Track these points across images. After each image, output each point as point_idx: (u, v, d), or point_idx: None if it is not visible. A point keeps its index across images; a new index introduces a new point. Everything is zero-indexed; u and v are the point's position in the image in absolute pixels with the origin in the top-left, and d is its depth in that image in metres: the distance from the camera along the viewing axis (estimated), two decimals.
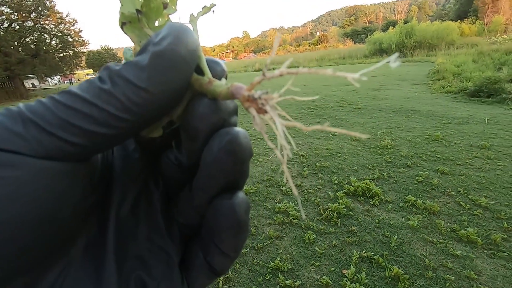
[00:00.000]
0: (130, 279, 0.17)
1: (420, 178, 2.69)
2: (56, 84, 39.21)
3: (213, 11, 0.21)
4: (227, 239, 0.17)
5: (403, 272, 1.63)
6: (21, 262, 0.13)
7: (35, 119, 0.12)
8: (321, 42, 64.81)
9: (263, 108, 0.15)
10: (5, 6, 17.76)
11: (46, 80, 32.07)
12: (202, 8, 0.20)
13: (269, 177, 2.95)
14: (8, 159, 0.12)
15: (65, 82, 36.07)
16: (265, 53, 67.60)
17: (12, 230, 0.12)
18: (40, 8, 19.12)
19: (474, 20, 32.53)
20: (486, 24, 29.55)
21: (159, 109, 0.14)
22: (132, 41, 0.19)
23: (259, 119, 0.15)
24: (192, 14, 0.19)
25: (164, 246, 0.18)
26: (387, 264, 1.70)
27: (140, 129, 0.14)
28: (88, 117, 0.12)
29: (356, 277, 1.62)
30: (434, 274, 1.61)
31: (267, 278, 1.68)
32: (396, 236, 1.93)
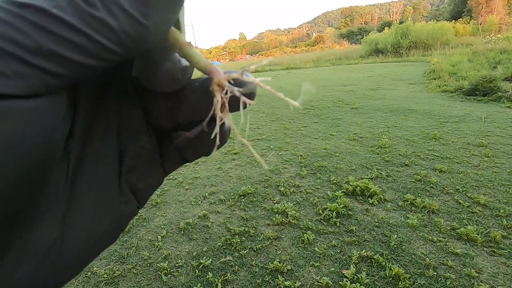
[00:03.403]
0: (124, 177, 0.18)
1: (419, 176, 2.69)
2: None
3: None
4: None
5: (403, 271, 1.62)
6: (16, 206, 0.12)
7: (12, 50, 0.10)
8: (317, 43, 65.08)
9: (224, 100, 0.16)
10: None
11: None
12: None
13: (267, 177, 2.93)
14: None
15: None
16: (262, 55, 67.69)
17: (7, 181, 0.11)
18: None
19: (468, 20, 32.86)
20: (480, 24, 29.84)
21: (147, 45, 0.13)
22: None
23: (219, 106, 0.16)
24: None
25: (145, 145, 0.19)
26: (387, 264, 1.68)
27: (125, 63, 0.14)
28: (77, 47, 0.11)
29: (356, 277, 1.60)
30: (435, 273, 1.60)
31: (267, 279, 1.66)
32: (395, 235, 1.92)
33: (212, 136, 0.17)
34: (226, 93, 0.16)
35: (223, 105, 0.16)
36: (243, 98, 0.16)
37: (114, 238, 0.18)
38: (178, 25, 0.16)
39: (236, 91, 0.16)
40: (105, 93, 0.18)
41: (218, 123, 0.16)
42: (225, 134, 0.18)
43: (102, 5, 0.11)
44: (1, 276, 0.14)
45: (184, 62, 0.16)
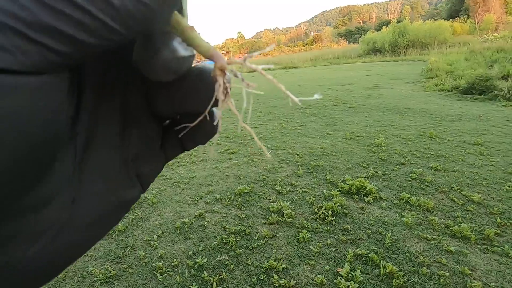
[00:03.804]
0: (129, 162, 0.19)
1: (414, 175, 2.70)
2: None
3: None
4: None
5: (397, 269, 1.63)
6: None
7: (14, 24, 0.10)
8: (316, 42, 65.10)
9: (226, 84, 0.16)
10: None
11: None
12: None
13: (263, 177, 2.93)
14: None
15: None
16: (260, 54, 67.56)
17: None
18: None
19: (465, 19, 32.98)
20: (478, 23, 29.95)
21: (149, 25, 0.13)
22: None
23: (221, 90, 0.16)
24: None
25: (148, 131, 0.20)
26: (381, 262, 1.69)
27: (129, 47, 0.14)
28: (80, 24, 0.11)
29: (350, 275, 1.61)
30: (429, 271, 1.61)
31: (262, 278, 1.66)
32: (390, 233, 1.93)
33: (215, 122, 0.17)
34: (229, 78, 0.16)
35: (225, 89, 0.16)
36: (245, 81, 0.16)
37: (118, 221, 0.20)
38: (181, 10, 0.16)
39: (239, 74, 0.16)
40: (110, 77, 0.18)
41: (220, 107, 0.16)
42: (208, 132, 0.19)
43: None
44: (15, 256, 0.14)
45: (182, 52, 0.16)
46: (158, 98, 0.19)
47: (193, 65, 0.18)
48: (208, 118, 0.18)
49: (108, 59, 0.18)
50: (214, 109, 0.17)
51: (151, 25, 0.13)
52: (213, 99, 0.16)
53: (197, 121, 0.19)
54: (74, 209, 0.16)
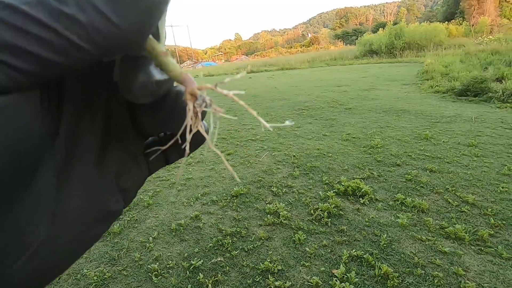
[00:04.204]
0: (111, 176, 0.19)
1: (409, 176, 2.72)
2: None
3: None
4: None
5: (392, 270, 1.63)
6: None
7: None
8: (313, 44, 65.34)
9: (196, 109, 0.17)
10: None
11: None
12: None
13: (260, 178, 2.94)
14: None
15: None
16: (257, 55, 67.75)
17: None
18: None
19: (461, 22, 33.27)
20: (473, 25, 30.25)
21: (121, 47, 0.13)
22: None
23: (190, 114, 0.17)
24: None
25: (132, 146, 0.20)
26: (376, 263, 1.70)
27: (96, 62, 0.14)
28: (44, 42, 0.11)
29: (346, 276, 1.61)
30: (423, 271, 1.62)
31: (257, 280, 1.66)
32: (385, 235, 1.94)
33: (183, 146, 0.17)
34: (199, 103, 0.17)
35: (195, 114, 0.17)
36: (213, 107, 0.17)
37: (99, 236, 0.19)
38: (157, 33, 0.16)
39: (208, 99, 0.17)
40: (93, 93, 0.18)
41: (188, 132, 0.17)
42: (197, 141, 0.20)
43: (73, 2, 0.11)
44: (1, 269, 0.14)
45: (158, 76, 0.16)
46: (141, 117, 0.20)
47: (175, 85, 0.18)
48: (180, 141, 0.18)
49: (92, 73, 0.18)
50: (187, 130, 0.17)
51: (123, 48, 0.13)
52: (185, 122, 0.17)
53: (168, 145, 0.19)
54: (54, 223, 0.16)
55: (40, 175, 0.15)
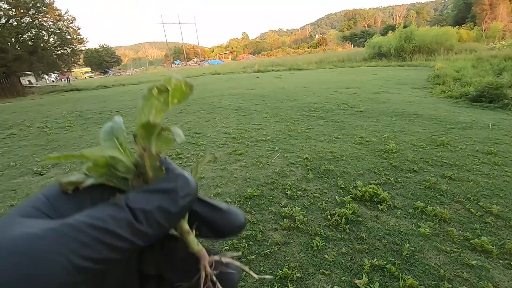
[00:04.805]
0: None
1: (428, 183, 2.63)
2: (53, 81, 38.79)
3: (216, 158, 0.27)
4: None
5: (417, 282, 1.56)
6: None
7: (74, 259, 0.16)
8: (320, 45, 64.97)
9: (207, 279, 0.21)
10: (3, 2, 17.52)
11: (43, 78, 31.57)
12: (209, 155, 0.23)
13: (273, 180, 2.87)
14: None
15: (63, 80, 35.55)
16: (264, 55, 67.53)
17: None
18: (38, 5, 18.87)
19: (472, 26, 32.82)
20: (484, 30, 29.82)
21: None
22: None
23: (203, 280, 0.21)
24: (198, 160, 0.27)
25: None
26: (400, 274, 1.63)
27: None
28: (122, 250, 0.18)
29: (369, 287, 1.55)
30: (450, 285, 1.55)
31: (276, 287, 1.60)
32: (407, 244, 1.86)
33: None
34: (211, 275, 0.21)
35: (207, 279, 0.21)
36: (217, 285, 0.21)
37: None
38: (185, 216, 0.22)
39: (213, 275, 0.21)
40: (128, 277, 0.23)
41: None
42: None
43: (146, 221, 0.18)
44: None
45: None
46: (149, 265, 0.24)
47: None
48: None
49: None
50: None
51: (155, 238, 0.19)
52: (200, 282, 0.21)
53: None
54: None
55: None
